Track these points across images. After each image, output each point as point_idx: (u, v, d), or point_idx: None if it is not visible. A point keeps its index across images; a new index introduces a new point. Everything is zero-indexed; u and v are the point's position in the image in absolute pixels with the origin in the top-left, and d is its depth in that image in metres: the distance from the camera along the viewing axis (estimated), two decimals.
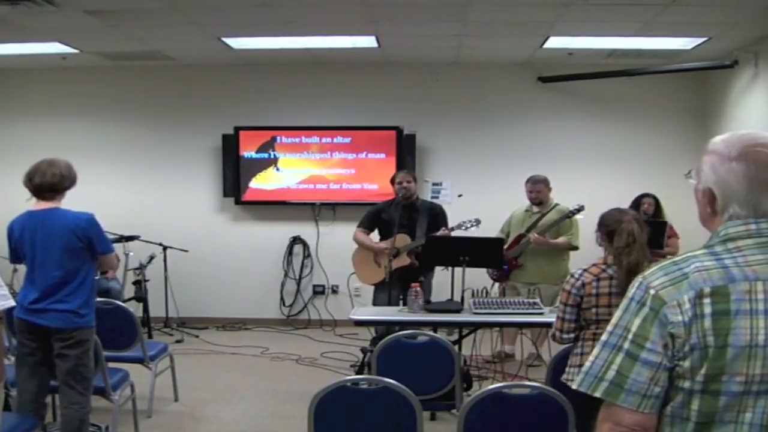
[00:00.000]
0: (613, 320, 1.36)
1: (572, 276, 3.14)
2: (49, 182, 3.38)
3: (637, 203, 6.00)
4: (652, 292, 1.31)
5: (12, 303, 2.60)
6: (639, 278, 1.35)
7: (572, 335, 3.14)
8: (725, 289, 1.26)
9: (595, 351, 1.35)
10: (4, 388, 2.85)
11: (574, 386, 1.37)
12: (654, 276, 1.33)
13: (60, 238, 3.38)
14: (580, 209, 5.49)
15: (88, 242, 3.43)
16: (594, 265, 3.12)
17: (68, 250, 3.39)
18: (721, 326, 1.25)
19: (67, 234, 3.38)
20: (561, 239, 5.62)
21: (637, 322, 1.31)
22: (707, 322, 1.26)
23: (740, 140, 1.34)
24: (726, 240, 1.33)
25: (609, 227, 3.10)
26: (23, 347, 3.43)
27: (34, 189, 3.40)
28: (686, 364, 1.27)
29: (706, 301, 1.26)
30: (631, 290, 1.35)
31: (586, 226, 5.60)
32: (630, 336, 1.31)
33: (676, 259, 1.35)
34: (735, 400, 1.25)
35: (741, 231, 1.32)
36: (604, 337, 1.35)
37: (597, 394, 1.32)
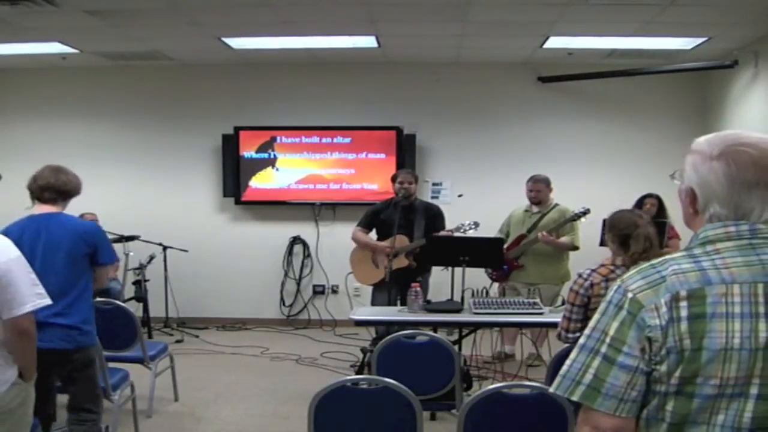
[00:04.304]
0: (591, 323, 1.35)
1: (580, 276, 3.12)
2: (53, 184, 3.29)
3: (640, 204, 5.98)
4: (630, 295, 1.30)
5: (49, 301, 2.53)
6: (618, 281, 1.35)
7: (578, 335, 3.12)
8: (701, 292, 1.26)
9: (573, 354, 1.35)
10: None
11: (551, 389, 1.37)
12: (632, 279, 1.32)
13: (66, 242, 3.26)
14: (585, 212, 5.46)
15: (94, 250, 3.34)
16: (602, 265, 3.11)
17: (72, 257, 3.27)
18: (696, 329, 1.25)
19: (74, 238, 3.28)
20: (564, 239, 5.62)
21: (614, 325, 1.30)
22: (683, 326, 1.25)
23: (723, 140, 1.34)
24: (705, 242, 1.32)
25: (623, 231, 3.06)
26: None
27: (37, 189, 3.30)
28: (663, 367, 1.26)
29: (683, 304, 1.26)
30: (610, 293, 1.35)
31: (586, 225, 5.61)
32: (607, 340, 1.30)
33: (654, 262, 1.34)
34: (708, 402, 1.25)
35: (720, 233, 1.31)
36: (581, 341, 1.35)
37: (574, 398, 1.31)
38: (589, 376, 1.30)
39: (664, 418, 1.28)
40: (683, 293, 1.26)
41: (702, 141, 1.37)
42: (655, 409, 1.30)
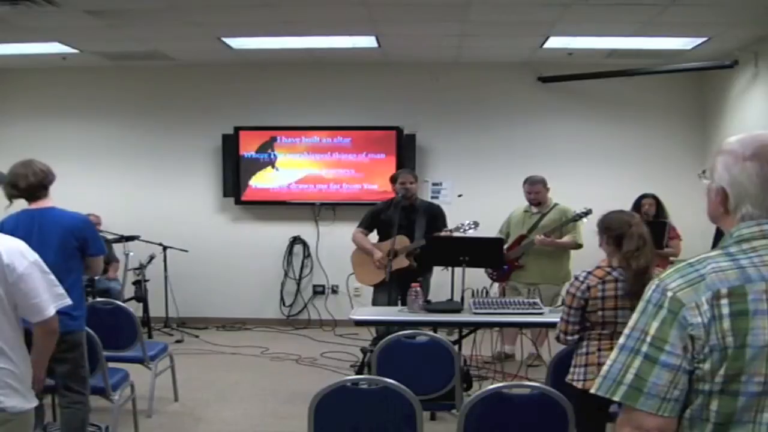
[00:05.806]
0: (630, 323, 1.35)
1: (576, 279, 3.12)
2: (38, 181, 3.34)
3: (637, 204, 5.98)
4: (669, 294, 1.30)
5: (69, 301, 2.60)
6: (655, 281, 1.35)
7: (576, 337, 3.13)
8: (742, 289, 1.27)
9: (613, 355, 1.35)
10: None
11: (592, 390, 1.36)
12: (670, 278, 1.32)
13: (56, 237, 3.34)
14: (587, 213, 5.44)
15: (83, 242, 3.42)
16: (598, 267, 3.10)
17: (63, 250, 3.35)
18: (739, 326, 1.25)
19: (63, 233, 3.35)
20: (566, 238, 5.61)
21: (655, 324, 1.30)
22: (726, 323, 1.26)
23: (755, 140, 1.35)
24: (740, 241, 1.33)
25: (616, 231, 3.08)
26: None
27: (24, 192, 3.34)
28: (706, 366, 1.27)
29: (724, 302, 1.26)
30: (648, 293, 1.34)
31: (588, 225, 5.60)
32: (648, 339, 1.30)
33: (692, 260, 1.35)
34: (753, 400, 1.25)
35: (755, 231, 1.32)
36: (621, 341, 1.34)
37: (616, 398, 1.31)
38: (630, 376, 1.30)
39: (708, 418, 1.29)
40: (724, 291, 1.27)
41: (733, 141, 1.38)
42: (699, 408, 1.30)
